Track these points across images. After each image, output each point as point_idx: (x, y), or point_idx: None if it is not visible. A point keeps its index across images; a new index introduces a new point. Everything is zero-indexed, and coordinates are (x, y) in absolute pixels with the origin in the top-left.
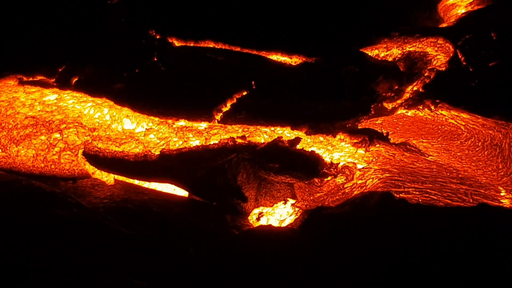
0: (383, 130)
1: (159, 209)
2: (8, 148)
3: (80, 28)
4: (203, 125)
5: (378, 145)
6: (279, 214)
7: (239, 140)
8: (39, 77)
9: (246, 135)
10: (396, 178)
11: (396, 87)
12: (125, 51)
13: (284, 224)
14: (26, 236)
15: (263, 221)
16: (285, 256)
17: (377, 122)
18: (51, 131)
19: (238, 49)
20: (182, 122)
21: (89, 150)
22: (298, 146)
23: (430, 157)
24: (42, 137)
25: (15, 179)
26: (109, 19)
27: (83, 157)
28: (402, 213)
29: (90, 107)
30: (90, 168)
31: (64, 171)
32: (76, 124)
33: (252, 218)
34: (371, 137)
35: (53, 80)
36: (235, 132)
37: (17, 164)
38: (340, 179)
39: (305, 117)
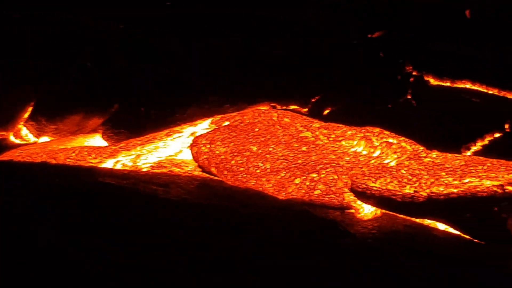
0: None
1: (440, 251)
2: None
3: (337, 60)
4: (457, 162)
5: None
6: None
7: (509, 187)
8: (292, 107)
9: None
10: None
11: None
12: (380, 86)
13: None
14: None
15: None
16: None
17: None
18: (306, 172)
19: (495, 91)
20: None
21: (357, 187)
22: None
23: None
24: (296, 181)
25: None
26: (367, 52)
27: (351, 193)
28: None
29: (353, 145)
30: (357, 203)
31: (333, 200)
32: (334, 164)
33: None
34: None
35: (306, 110)
36: None
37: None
38: None
39: None
